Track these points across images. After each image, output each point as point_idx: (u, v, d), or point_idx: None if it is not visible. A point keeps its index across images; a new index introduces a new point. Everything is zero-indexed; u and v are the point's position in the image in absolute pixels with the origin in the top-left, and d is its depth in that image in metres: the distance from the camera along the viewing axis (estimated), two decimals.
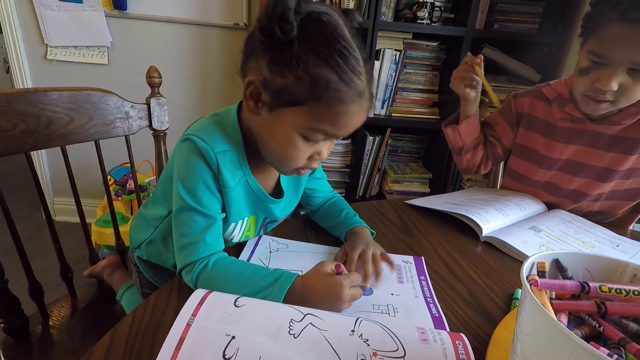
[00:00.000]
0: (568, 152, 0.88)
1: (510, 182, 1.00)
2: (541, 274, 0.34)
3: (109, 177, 1.57)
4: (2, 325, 0.70)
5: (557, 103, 0.87)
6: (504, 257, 0.69)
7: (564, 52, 1.54)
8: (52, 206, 2.01)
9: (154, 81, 0.94)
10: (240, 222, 0.63)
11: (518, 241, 0.71)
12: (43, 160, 1.92)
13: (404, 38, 1.58)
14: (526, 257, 0.64)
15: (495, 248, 0.72)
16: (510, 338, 0.43)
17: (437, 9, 1.51)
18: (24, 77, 1.78)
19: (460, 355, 0.38)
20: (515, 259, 0.69)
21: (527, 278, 0.32)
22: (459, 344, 0.39)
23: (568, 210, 0.90)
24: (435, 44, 1.59)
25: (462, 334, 0.42)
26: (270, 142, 0.55)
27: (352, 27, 0.51)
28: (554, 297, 0.33)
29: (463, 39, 1.49)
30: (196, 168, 0.54)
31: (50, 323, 0.78)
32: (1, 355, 0.70)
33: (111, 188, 1.55)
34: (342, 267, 0.52)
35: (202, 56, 1.81)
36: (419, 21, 1.52)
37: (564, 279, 0.36)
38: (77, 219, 0.84)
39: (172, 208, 0.58)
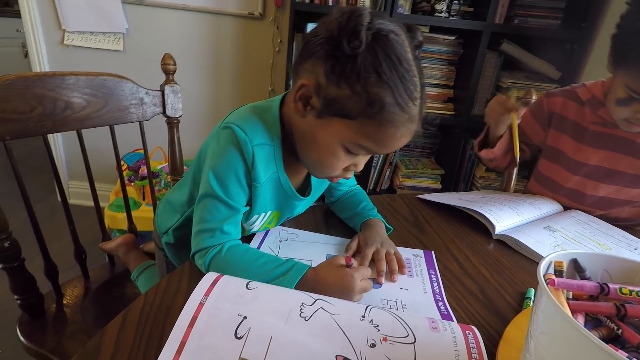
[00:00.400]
0: (597, 157, 0.85)
1: (536, 186, 0.99)
2: (558, 273, 0.34)
3: (122, 162, 1.59)
4: (18, 301, 0.72)
5: (590, 105, 0.85)
6: (517, 256, 0.68)
7: (587, 50, 1.49)
8: (67, 189, 2.05)
9: (168, 68, 0.94)
10: (263, 214, 0.63)
11: (532, 240, 0.70)
12: (59, 144, 1.95)
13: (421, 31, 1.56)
14: (540, 256, 0.64)
15: (508, 246, 0.71)
16: (522, 337, 0.43)
17: (455, 2, 1.48)
18: (42, 62, 1.80)
19: (471, 344, 0.38)
20: (529, 258, 0.68)
21: (543, 277, 0.31)
22: (469, 334, 0.39)
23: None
24: (453, 37, 1.56)
25: (472, 326, 0.41)
26: (312, 147, 0.55)
27: (414, 45, 0.50)
28: (570, 297, 0.32)
29: (482, 34, 1.45)
30: (230, 159, 0.54)
31: (64, 302, 0.80)
32: (17, 330, 0.72)
33: (124, 173, 1.57)
34: (353, 260, 0.52)
35: (217, 45, 1.81)
36: (436, 14, 1.49)
37: (581, 279, 0.36)
38: (90, 203, 0.85)
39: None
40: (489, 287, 0.58)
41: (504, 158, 1.00)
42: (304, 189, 0.67)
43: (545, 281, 0.30)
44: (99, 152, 1.74)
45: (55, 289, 0.79)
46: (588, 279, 0.36)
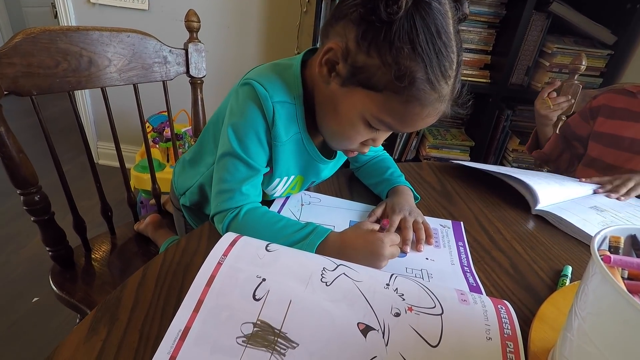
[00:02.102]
0: None
1: (586, 170, 0.97)
2: (614, 249, 0.30)
3: (147, 124, 1.61)
4: (50, 253, 0.75)
5: None
6: (553, 231, 0.64)
7: None
8: (96, 150, 2.11)
9: (192, 25, 0.91)
10: (285, 178, 0.60)
11: (577, 218, 0.64)
12: (87, 104, 1.99)
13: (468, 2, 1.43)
14: (588, 235, 0.59)
15: (544, 221, 0.67)
16: (559, 316, 0.40)
17: None
18: (70, 21, 1.81)
19: (503, 319, 0.35)
20: (566, 234, 0.63)
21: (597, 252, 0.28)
22: (502, 309, 0.36)
23: None
24: None
25: (505, 301, 0.38)
26: (331, 116, 0.52)
27: (457, 17, 0.45)
28: (626, 276, 0.29)
29: None
30: (250, 116, 0.52)
31: (92, 256, 0.82)
32: (50, 280, 0.75)
33: (149, 135, 1.58)
34: (386, 225, 0.51)
35: (241, 5, 1.74)
36: None
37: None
38: (118, 163, 0.86)
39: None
40: (521, 262, 0.54)
41: (561, 159, 1.05)
42: (330, 152, 0.64)
43: (600, 257, 0.27)
44: (125, 114, 1.76)
45: (83, 243, 0.82)
46: None
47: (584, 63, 1.04)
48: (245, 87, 0.52)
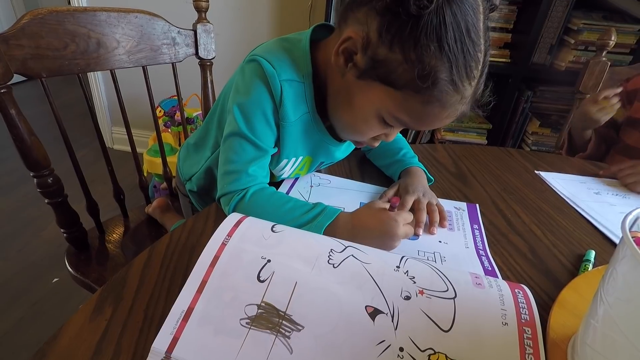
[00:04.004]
0: None
1: (620, 158, 0.92)
2: None
3: (158, 109, 1.61)
4: (65, 235, 0.76)
5: None
6: (576, 215, 0.61)
7: None
8: (111, 135, 2.13)
9: (200, 5, 0.89)
10: (293, 159, 0.59)
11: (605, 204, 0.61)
12: (101, 89, 2.00)
13: None
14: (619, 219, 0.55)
15: (566, 204, 0.63)
16: (581, 302, 0.38)
17: None
18: (81, 4, 1.82)
19: (520, 304, 0.33)
20: (589, 220, 0.60)
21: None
22: (519, 293, 0.34)
23: None
24: None
25: (523, 285, 0.36)
26: (345, 108, 0.50)
27: (488, 9, 0.42)
28: None
29: None
30: (257, 94, 0.50)
31: (106, 238, 0.83)
32: (66, 261, 0.77)
33: (161, 120, 1.59)
34: (398, 201, 0.49)
35: None
36: None
37: None
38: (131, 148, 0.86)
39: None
40: (540, 246, 0.52)
41: (599, 150, 1.00)
42: None
43: (632, 239, 0.25)
44: (137, 99, 1.76)
45: (97, 225, 0.83)
46: None
47: (612, 39, 0.97)
48: (252, 64, 0.50)
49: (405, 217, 0.48)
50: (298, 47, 0.51)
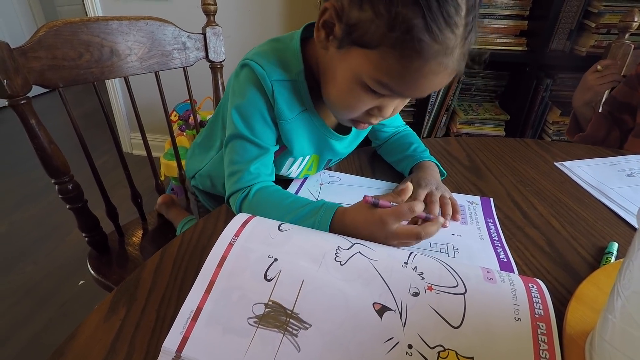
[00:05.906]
0: None
1: (637, 142, 0.88)
2: None
3: (173, 113, 1.64)
4: (86, 238, 0.79)
5: None
6: (597, 205, 0.58)
7: None
8: (130, 141, 2.19)
9: (209, 9, 0.91)
10: (300, 159, 0.59)
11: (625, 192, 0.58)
12: (119, 97, 2.06)
13: None
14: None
15: (587, 195, 0.61)
16: (600, 296, 0.36)
17: None
18: (96, 14, 1.87)
19: (534, 299, 0.32)
20: (612, 210, 0.57)
21: None
22: (533, 287, 0.33)
23: None
24: None
25: (537, 279, 0.35)
26: (330, 84, 0.48)
27: None
28: None
29: None
30: (252, 96, 0.51)
31: (126, 241, 0.86)
32: (88, 264, 0.80)
33: (176, 123, 1.62)
34: (379, 200, 0.44)
35: None
36: None
37: None
38: (152, 154, 0.89)
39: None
40: (558, 239, 0.50)
41: (610, 138, 0.97)
42: (346, 129, 0.61)
43: None
44: (152, 104, 1.80)
45: (116, 228, 0.85)
46: None
47: (636, 20, 0.93)
48: (244, 69, 0.52)
49: (397, 214, 0.42)
50: (289, 46, 0.52)
